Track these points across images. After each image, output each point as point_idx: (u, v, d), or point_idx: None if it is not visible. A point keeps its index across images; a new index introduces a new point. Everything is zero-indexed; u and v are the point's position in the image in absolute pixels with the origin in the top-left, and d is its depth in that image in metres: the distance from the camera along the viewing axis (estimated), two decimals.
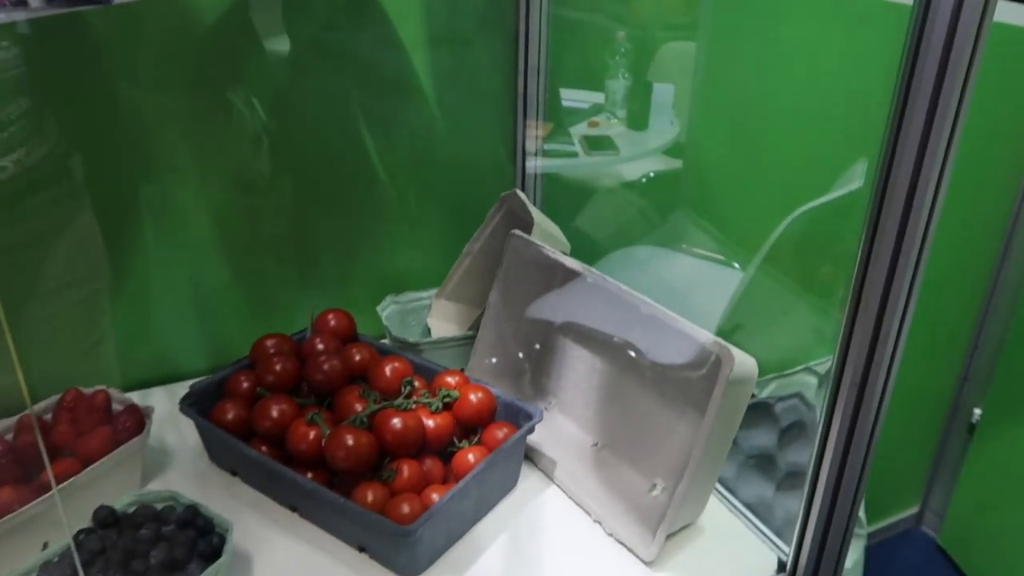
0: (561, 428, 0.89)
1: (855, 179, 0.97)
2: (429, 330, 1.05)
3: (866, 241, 0.58)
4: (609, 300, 0.83)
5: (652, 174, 1.22)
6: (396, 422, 0.75)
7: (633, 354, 0.83)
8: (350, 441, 0.72)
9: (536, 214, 0.94)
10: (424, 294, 1.08)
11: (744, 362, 0.70)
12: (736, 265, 1.07)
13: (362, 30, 0.95)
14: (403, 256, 1.09)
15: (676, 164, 1.19)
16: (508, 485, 0.82)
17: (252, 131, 0.94)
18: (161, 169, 0.91)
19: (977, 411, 1.51)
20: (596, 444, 0.88)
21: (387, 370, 0.82)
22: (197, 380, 0.86)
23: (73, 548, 0.65)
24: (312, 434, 0.75)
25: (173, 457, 0.86)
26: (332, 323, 0.92)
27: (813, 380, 1.04)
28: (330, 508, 0.72)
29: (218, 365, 0.95)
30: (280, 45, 0.92)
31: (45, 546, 0.72)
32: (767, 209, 1.06)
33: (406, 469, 0.74)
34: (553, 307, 0.92)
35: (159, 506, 0.69)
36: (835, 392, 0.64)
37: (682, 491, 0.72)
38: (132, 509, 0.69)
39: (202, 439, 0.84)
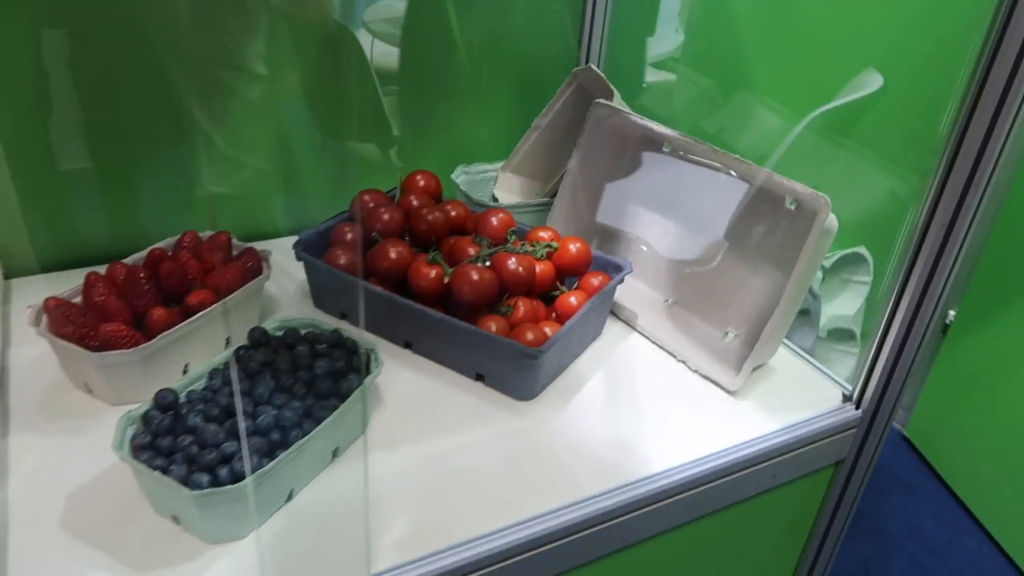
0: (634, 287, 0.97)
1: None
2: (496, 200, 1.11)
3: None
4: (692, 165, 0.90)
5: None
6: (513, 262, 0.81)
7: (712, 216, 0.91)
8: (475, 276, 0.79)
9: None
10: (491, 167, 1.13)
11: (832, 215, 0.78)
12: None
13: None
14: (473, 129, 1.13)
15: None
16: (597, 331, 0.90)
17: None
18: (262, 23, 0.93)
19: (952, 312, 1.64)
20: (668, 301, 0.96)
21: (493, 220, 0.88)
22: (303, 231, 0.90)
23: (233, 362, 0.71)
24: (433, 272, 0.81)
25: (278, 304, 0.91)
26: (421, 183, 0.97)
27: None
28: (453, 339, 0.79)
29: (296, 228, 0.99)
30: None
31: (186, 369, 0.77)
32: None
33: (522, 305, 0.81)
34: (633, 173, 0.98)
35: (303, 331, 0.75)
36: (914, 255, 0.73)
37: (769, 329, 0.81)
38: (280, 333, 0.74)
39: (312, 284, 0.89)
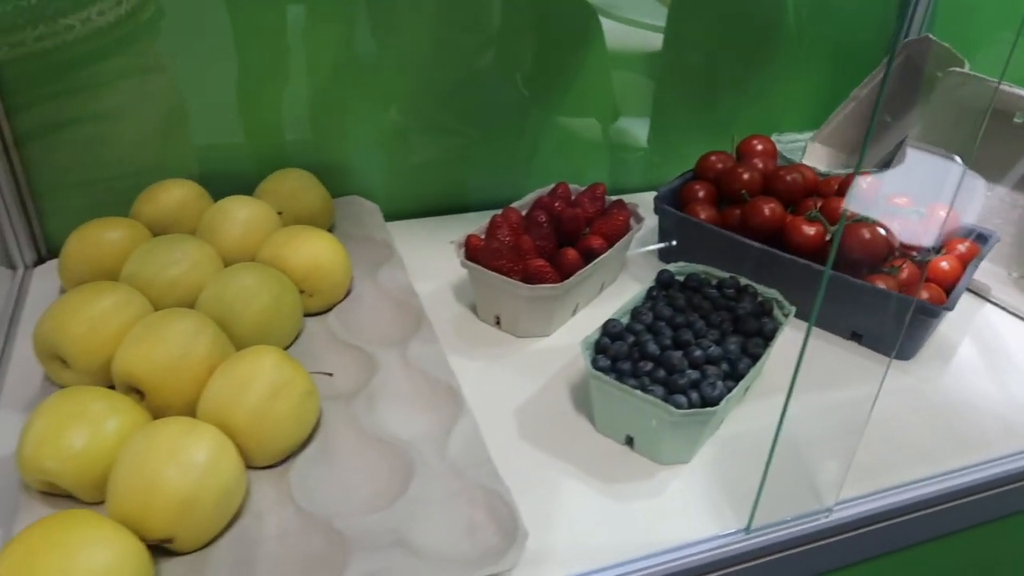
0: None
1: None
2: None
3: None
4: None
5: None
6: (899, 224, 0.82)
7: None
8: (867, 235, 0.80)
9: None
10: (800, 136, 1.14)
11: None
12: None
13: None
14: (785, 98, 1.14)
15: None
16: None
17: None
18: None
19: None
20: (1013, 274, 0.94)
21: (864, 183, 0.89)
22: (661, 186, 0.93)
23: (660, 296, 0.75)
24: (813, 230, 0.82)
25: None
26: (759, 147, 0.98)
27: None
28: (834, 295, 0.80)
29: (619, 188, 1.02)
30: None
31: (575, 309, 0.82)
32: None
33: (906, 267, 0.81)
34: (984, 146, 0.96)
35: (702, 276, 0.78)
36: None
37: None
38: (681, 277, 0.78)
39: (667, 237, 0.93)
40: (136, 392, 0.61)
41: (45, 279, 0.83)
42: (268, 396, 0.59)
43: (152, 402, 0.60)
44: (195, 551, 0.53)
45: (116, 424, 0.56)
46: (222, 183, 0.85)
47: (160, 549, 0.52)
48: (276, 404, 0.59)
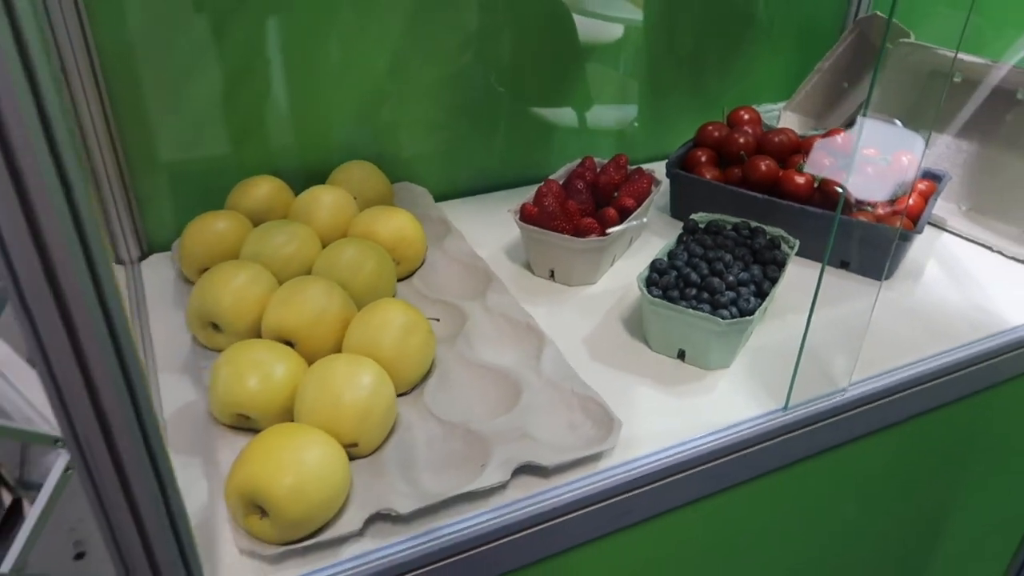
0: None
1: None
2: None
3: None
4: (990, 90, 1.07)
5: None
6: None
7: (1009, 134, 1.07)
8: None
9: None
10: (774, 106, 1.32)
11: None
12: None
13: None
14: (761, 73, 1.32)
15: None
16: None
17: None
18: None
19: None
20: (963, 207, 1.13)
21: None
22: (664, 157, 1.10)
23: (682, 241, 0.91)
24: (803, 179, 1.00)
25: None
26: (746, 117, 1.15)
27: None
28: (824, 232, 0.98)
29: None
30: None
31: (613, 260, 0.98)
32: None
33: (879, 205, 0.99)
34: (931, 107, 1.15)
35: (719, 222, 0.95)
36: None
37: None
38: (703, 224, 0.94)
39: (680, 197, 1.09)
40: (287, 343, 0.75)
41: (153, 270, 0.96)
42: (403, 335, 0.73)
43: (302, 350, 0.74)
44: (371, 454, 0.68)
45: (283, 367, 0.70)
46: (289, 176, 0.99)
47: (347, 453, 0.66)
48: (410, 340, 0.74)
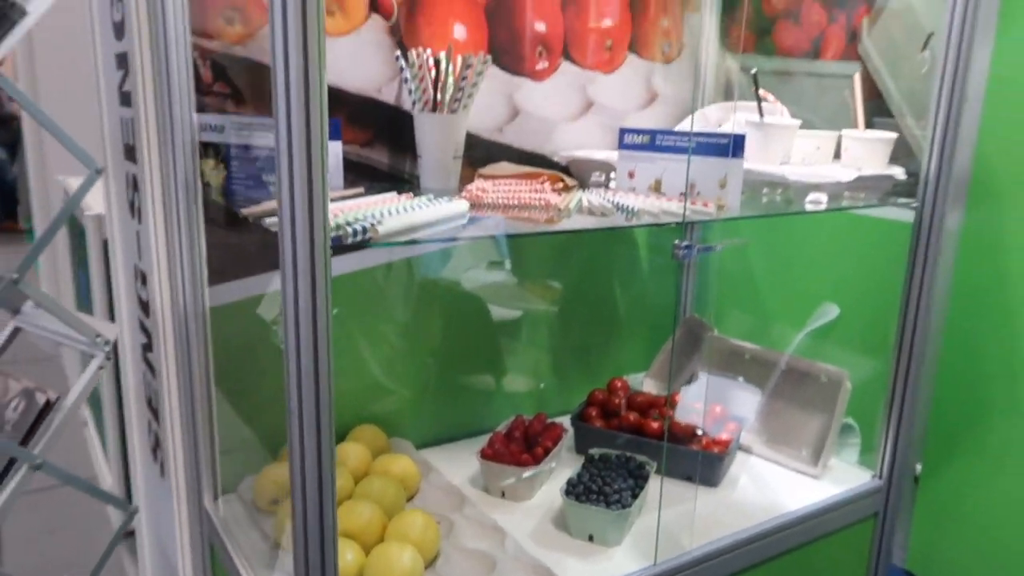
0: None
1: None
2: None
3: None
4: (764, 362, 1.72)
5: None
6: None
7: (780, 379, 1.71)
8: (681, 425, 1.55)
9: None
10: (639, 375, 1.93)
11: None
12: None
13: None
14: (626, 351, 1.94)
15: None
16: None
17: None
18: None
19: (919, 466, 2.35)
20: (761, 439, 1.73)
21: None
22: (572, 410, 1.66)
23: (588, 465, 1.44)
24: (657, 424, 1.57)
25: None
26: (619, 384, 1.75)
27: None
28: (671, 454, 1.53)
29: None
30: None
31: (542, 482, 1.50)
32: None
33: (704, 438, 1.57)
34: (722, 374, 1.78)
35: (609, 456, 1.49)
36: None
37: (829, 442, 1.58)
38: (596, 456, 1.48)
39: (579, 439, 1.64)
40: (350, 539, 1.20)
41: (226, 504, 1.39)
42: (423, 529, 1.21)
43: (361, 543, 1.20)
44: None
45: (352, 552, 1.15)
46: None
47: None
48: (427, 533, 1.21)
